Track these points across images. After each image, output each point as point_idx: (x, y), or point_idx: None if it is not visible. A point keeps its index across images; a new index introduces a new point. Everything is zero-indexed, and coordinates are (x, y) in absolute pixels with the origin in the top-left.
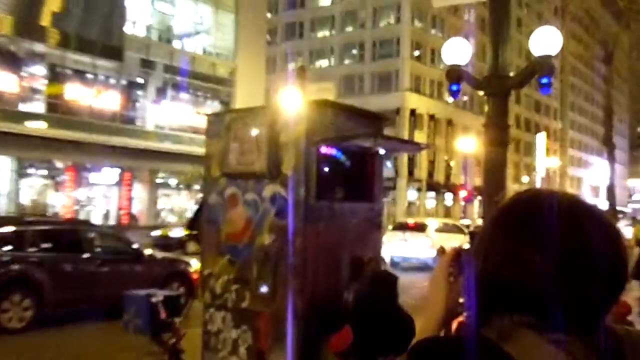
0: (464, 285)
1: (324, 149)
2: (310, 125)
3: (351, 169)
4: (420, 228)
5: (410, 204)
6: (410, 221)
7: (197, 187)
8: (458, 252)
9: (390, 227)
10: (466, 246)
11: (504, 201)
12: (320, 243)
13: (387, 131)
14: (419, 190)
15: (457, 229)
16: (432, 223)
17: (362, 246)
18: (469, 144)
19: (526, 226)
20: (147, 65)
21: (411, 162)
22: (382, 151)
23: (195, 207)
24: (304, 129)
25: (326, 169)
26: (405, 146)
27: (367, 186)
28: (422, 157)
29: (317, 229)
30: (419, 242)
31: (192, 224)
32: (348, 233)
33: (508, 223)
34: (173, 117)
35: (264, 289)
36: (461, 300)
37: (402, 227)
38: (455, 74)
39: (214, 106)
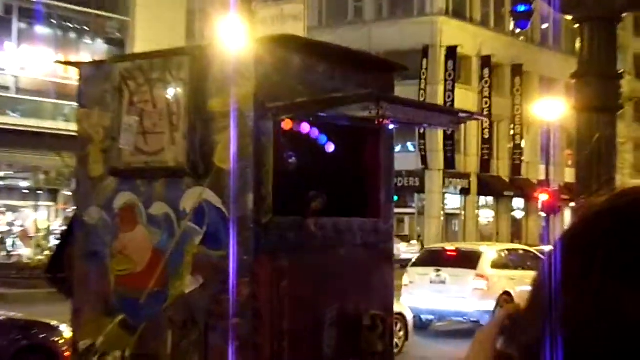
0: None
1: (288, 125)
2: (264, 83)
3: (338, 159)
4: (466, 260)
5: (449, 217)
6: (450, 248)
7: (67, 193)
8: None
9: (414, 258)
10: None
11: (589, 209)
12: (285, 291)
13: (403, 90)
14: (464, 193)
15: (533, 261)
16: (489, 251)
17: (359, 295)
18: (554, 108)
19: (629, 256)
20: None
21: (450, 145)
22: (391, 126)
23: (63, 230)
24: (253, 88)
25: (293, 160)
26: (435, 116)
27: (366, 188)
28: (471, 135)
29: (278, 265)
30: (465, 284)
31: (56, 261)
32: (334, 272)
33: (596, 251)
34: (21, 68)
35: None
36: None
37: (434, 258)
38: None
39: (95, 50)
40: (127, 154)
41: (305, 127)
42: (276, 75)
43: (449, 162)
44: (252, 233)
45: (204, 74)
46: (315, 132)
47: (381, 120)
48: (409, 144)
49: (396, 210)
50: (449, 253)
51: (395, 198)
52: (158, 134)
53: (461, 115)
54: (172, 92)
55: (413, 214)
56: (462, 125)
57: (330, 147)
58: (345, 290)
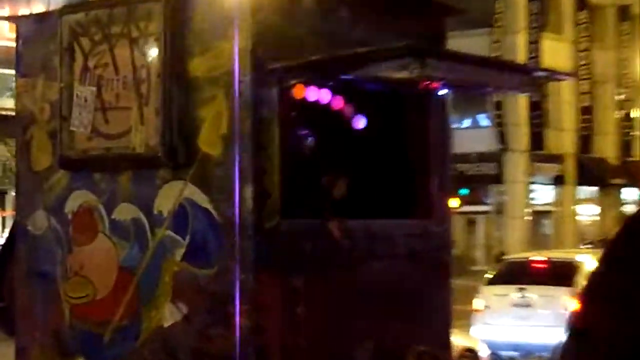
0: None
1: (299, 92)
2: (265, 35)
3: (371, 139)
4: (560, 274)
5: (537, 215)
6: (538, 258)
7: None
8: None
9: (488, 273)
10: None
11: None
12: (300, 321)
13: (469, 42)
14: (558, 182)
15: None
16: (591, 261)
17: (402, 325)
18: None
19: None
20: None
21: (537, 117)
22: (443, 91)
23: (1, 244)
24: (249, 43)
25: (309, 141)
26: (501, 77)
27: (411, 178)
28: (564, 103)
29: (290, 286)
30: (559, 308)
31: None
32: (367, 293)
33: None
34: None
35: None
36: None
37: (517, 272)
38: None
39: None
40: (82, 138)
41: (324, 95)
42: (281, 23)
43: (537, 141)
44: (252, 243)
45: (182, 25)
46: (338, 102)
47: (427, 83)
48: (480, 116)
49: (466, 209)
50: (536, 265)
51: (464, 191)
52: (122, 109)
53: (538, 74)
54: (141, 51)
55: (488, 212)
56: (553, 90)
57: (361, 123)
58: (383, 319)
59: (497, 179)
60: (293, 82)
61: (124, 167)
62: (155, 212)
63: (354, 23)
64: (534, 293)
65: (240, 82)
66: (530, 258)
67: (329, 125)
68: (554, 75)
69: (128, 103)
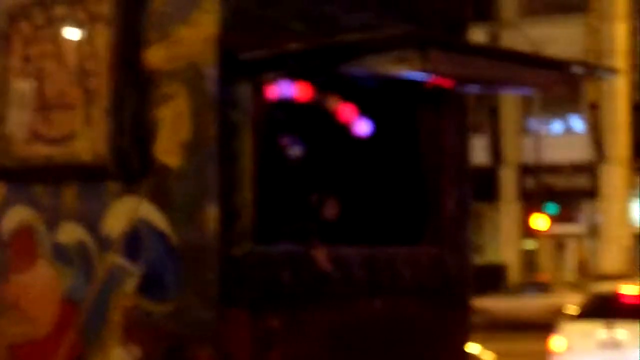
0: None
1: (278, 89)
2: (235, 18)
3: (374, 148)
4: None
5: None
6: (629, 289)
7: None
8: None
9: (569, 309)
10: None
11: None
12: None
13: (557, 30)
14: None
15: None
16: None
17: None
18: None
19: None
20: None
21: (638, 124)
22: (460, 89)
23: None
24: (216, 27)
25: (295, 150)
26: (527, 72)
27: (422, 196)
28: None
29: (265, 327)
30: None
31: None
32: (365, 338)
33: None
34: None
35: None
36: None
37: (605, 306)
38: None
39: None
40: (19, 143)
41: (311, 94)
42: (257, 5)
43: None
44: (217, 274)
45: (137, 7)
46: (332, 102)
47: (435, 80)
48: (573, 119)
49: (554, 229)
50: (627, 297)
51: (553, 208)
52: (67, 108)
53: (575, 70)
54: (88, 38)
55: (581, 235)
56: None
57: (363, 128)
58: None
59: (592, 193)
60: (270, 77)
61: (69, 179)
62: (103, 233)
63: (351, 4)
64: (624, 330)
65: (205, 77)
66: (616, 289)
67: (321, 130)
68: (596, 71)
69: (73, 100)
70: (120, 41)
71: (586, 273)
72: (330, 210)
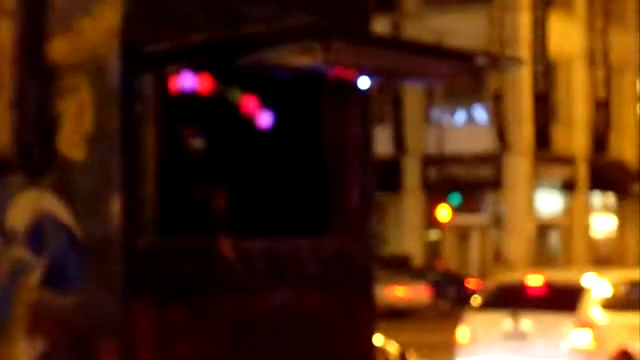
0: None
1: (181, 81)
2: (139, 9)
3: (278, 139)
4: (561, 298)
5: (543, 228)
6: (534, 279)
7: None
8: None
9: (475, 297)
10: None
11: None
12: None
13: (460, 21)
14: (567, 187)
15: None
16: (598, 283)
17: None
18: None
19: None
20: None
21: (542, 109)
22: (363, 81)
23: None
24: (119, 18)
25: (197, 142)
26: (439, 65)
27: (326, 186)
28: (575, 93)
29: (169, 318)
30: (559, 339)
31: None
32: (268, 330)
33: None
34: None
35: None
36: None
37: (510, 296)
38: None
39: None
40: None
41: (214, 86)
42: None
43: (543, 139)
44: (121, 266)
45: (40, 0)
46: (237, 94)
47: (338, 71)
48: (476, 109)
49: (458, 220)
50: (532, 288)
51: (456, 199)
52: None
53: (479, 61)
54: None
55: (485, 225)
56: (561, 78)
57: (265, 119)
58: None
59: (496, 184)
60: (173, 69)
61: None
62: (7, 226)
63: None
64: (529, 321)
65: (108, 69)
66: (523, 280)
67: (224, 123)
68: (499, 61)
69: None
70: (23, 34)
71: (500, 260)
72: (218, 202)
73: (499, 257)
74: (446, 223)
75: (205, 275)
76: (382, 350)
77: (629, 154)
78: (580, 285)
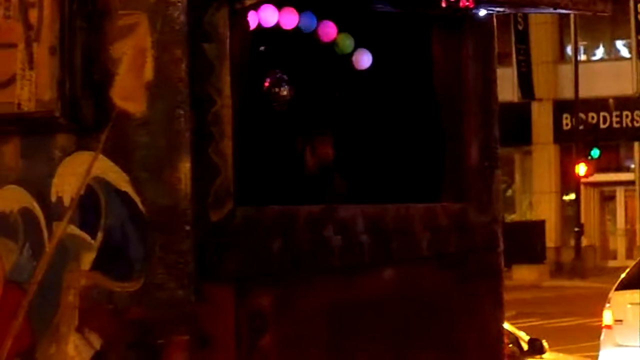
0: None
1: (261, 17)
2: None
3: (379, 84)
4: None
5: None
6: None
7: None
8: None
9: (623, 276)
10: None
11: None
12: (268, 358)
13: None
14: None
15: None
16: None
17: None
18: None
19: None
20: None
21: None
22: (483, 11)
23: None
24: None
25: (284, 89)
26: None
27: (439, 143)
28: None
29: (253, 306)
30: None
31: None
32: (373, 317)
33: None
34: None
35: None
36: None
37: None
38: None
39: None
40: None
41: (305, 21)
42: None
43: None
44: (192, 243)
45: None
46: (328, 30)
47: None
48: (618, 43)
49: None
50: None
51: (595, 153)
52: (5, 47)
53: None
54: None
55: (632, 183)
56: None
57: (364, 60)
58: (398, 352)
59: None
60: (251, 1)
61: (8, 133)
62: (53, 198)
63: None
64: None
65: (172, 3)
66: None
67: (316, 65)
68: None
69: (13, 37)
70: None
71: None
72: (324, 149)
73: None
74: (583, 181)
75: (295, 252)
76: (510, 336)
77: None
78: None
